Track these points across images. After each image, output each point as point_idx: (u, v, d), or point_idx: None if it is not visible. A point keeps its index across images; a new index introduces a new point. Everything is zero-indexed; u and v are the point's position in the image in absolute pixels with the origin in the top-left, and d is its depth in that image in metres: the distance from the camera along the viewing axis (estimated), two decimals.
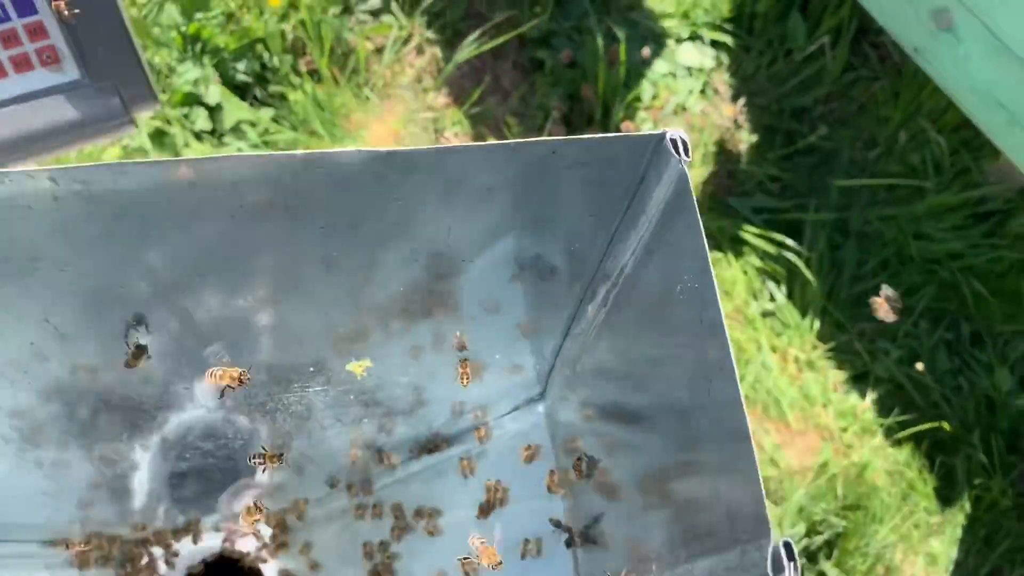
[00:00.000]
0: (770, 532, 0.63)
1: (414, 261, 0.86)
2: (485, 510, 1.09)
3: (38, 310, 0.78)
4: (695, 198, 0.71)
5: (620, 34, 2.14)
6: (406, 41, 2.09)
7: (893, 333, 2.01)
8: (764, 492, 0.65)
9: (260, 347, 0.93)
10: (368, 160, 0.70)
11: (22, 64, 0.77)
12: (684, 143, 0.71)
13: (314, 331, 0.94)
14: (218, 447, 1.05)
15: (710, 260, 0.69)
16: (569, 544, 1.04)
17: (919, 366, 1.97)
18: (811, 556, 1.76)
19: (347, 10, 2.06)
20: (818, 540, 1.75)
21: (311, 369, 0.99)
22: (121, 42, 0.75)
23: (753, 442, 0.65)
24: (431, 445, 1.15)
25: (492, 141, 0.73)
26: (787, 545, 0.62)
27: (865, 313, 2.04)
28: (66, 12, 0.74)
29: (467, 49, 2.07)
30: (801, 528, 1.76)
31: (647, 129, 2.13)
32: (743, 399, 0.66)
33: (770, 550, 0.62)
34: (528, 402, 1.15)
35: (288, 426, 1.06)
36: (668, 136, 0.72)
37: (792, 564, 0.61)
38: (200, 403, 1.00)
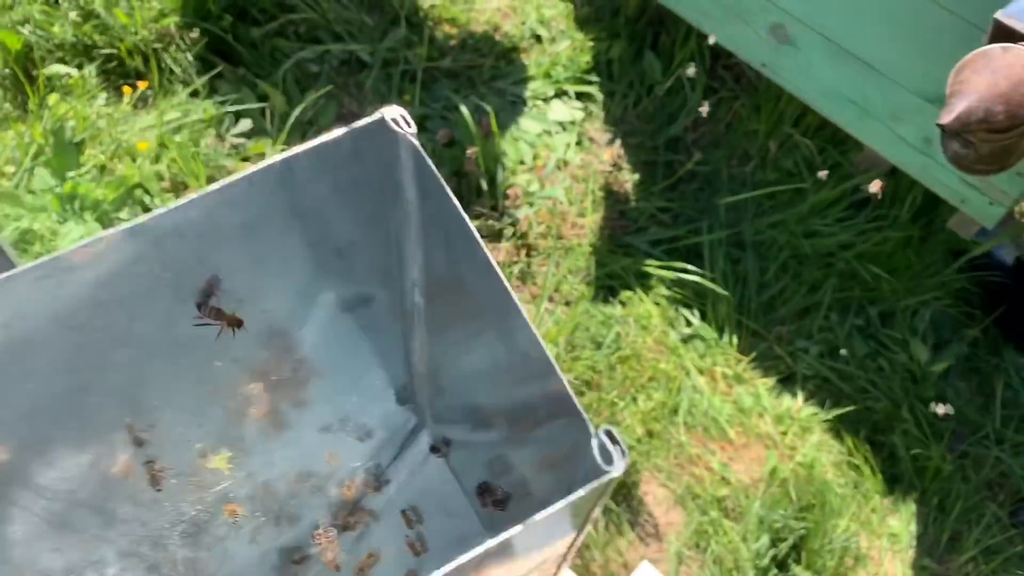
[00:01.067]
0: (589, 429, 0.66)
1: (256, 344, 0.87)
2: (416, 548, 1.10)
3: None
4: (434, 168, 0.72)
5: (488, 106, 2.21)
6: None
7: (808, 330, 2.09)
8: (572, 394, 0.68)
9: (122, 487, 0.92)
10: (117, 243, 0.69)
11: None
12: (404, 118, 0.74)
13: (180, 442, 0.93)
14: None
15: (468, 220, 0.71)
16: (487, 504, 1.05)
17: (843, 352, 2.05)
18: (782, 564, 1.80)
19: (218, 137, 2.08)
20: (784, 548, 1.79)
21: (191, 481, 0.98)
22: None
23: (551, 357, 0.69)
24: (343, 517, 1.14)
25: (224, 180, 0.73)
26: (608, 432, 0.65)
27: (778, 317, 2.12)
28: None
29: None
30: (765, 539, 1.79)
31: (534, 189, 2.19)
32: (529, 322, 0.69)
33: (595, 444, 0.65)
34: (412, 434, 1.16)
35: (185, 550, 1.04)
36: (386, 116, 0.74)
37: (617, 447, 0.66)
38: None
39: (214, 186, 0.71)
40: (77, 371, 0.79)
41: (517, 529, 0.65)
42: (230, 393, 0.93)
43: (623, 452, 0.65)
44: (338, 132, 0.73)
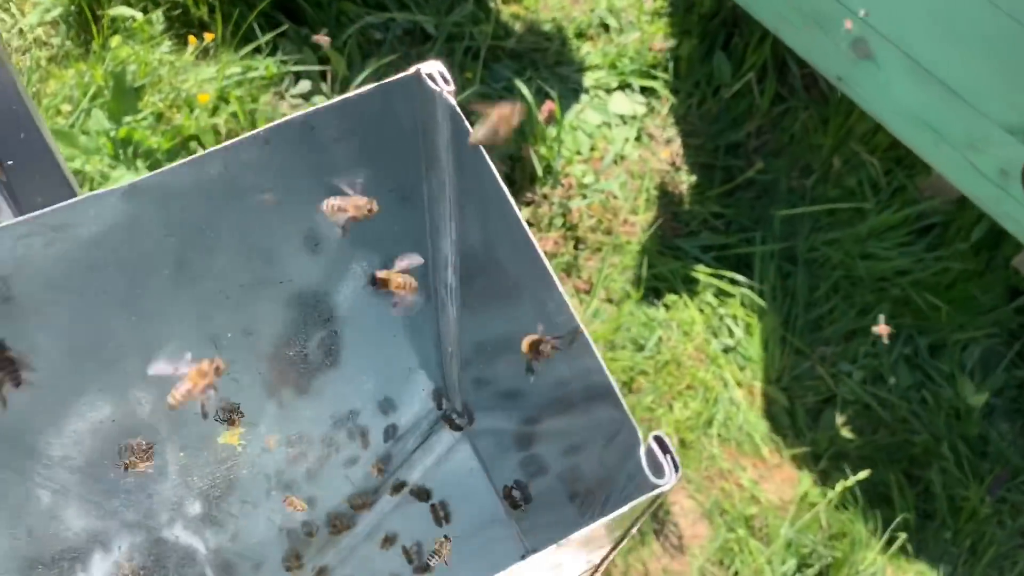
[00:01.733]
0: (637, 434, 0.60)
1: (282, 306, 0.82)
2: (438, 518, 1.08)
3: None
4: (472, 130, 0.65)
5: (552, 92, 2.17)
6: None
7: (853, 354, 2.04)
8: (622, 398, 0.62)
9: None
10: (120, 200, 0.63)
11: None
12: (442, 74, 0.65)
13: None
14: None
15: (507, 193, 0.64)
16: (515, 506, 1.02)
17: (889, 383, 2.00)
18: None
19: (277, 95, 2.05)
20: (810, 574, 1.75)
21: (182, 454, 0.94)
22: (58, 183, 0.73)
23: (602, 360, 0.63)
24: (366, 501, 1.11)
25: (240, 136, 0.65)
26: (658, 439, 0.59)
27: (824, 337, 2.07)
28: None
29: None
30: (792, 563, 1.75)
31: (589, 181, 2.15)
32: (578, 319, 0.63)
33: (642, 451, 0.59)
34: (440, 419, 1.12)
35: (194, 525, 1.01)
36: (422, 71, 0.66)
37: (668, 457, 0.59)
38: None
39: (222, 145, 0.65)
40: (74, 337, 0.74)
41: (551, 550, 0.60)
42: (245, 367, 0.87)
43: (675, 464, 0.58)
44: (367, 87, 0.66)
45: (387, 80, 0.65)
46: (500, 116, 0.72)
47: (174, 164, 0.62)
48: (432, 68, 0.65)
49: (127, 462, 0.82)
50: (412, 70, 0.64)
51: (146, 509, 0.96)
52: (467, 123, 0.66)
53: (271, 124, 0.63)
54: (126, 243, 0.68)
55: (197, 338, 0.81)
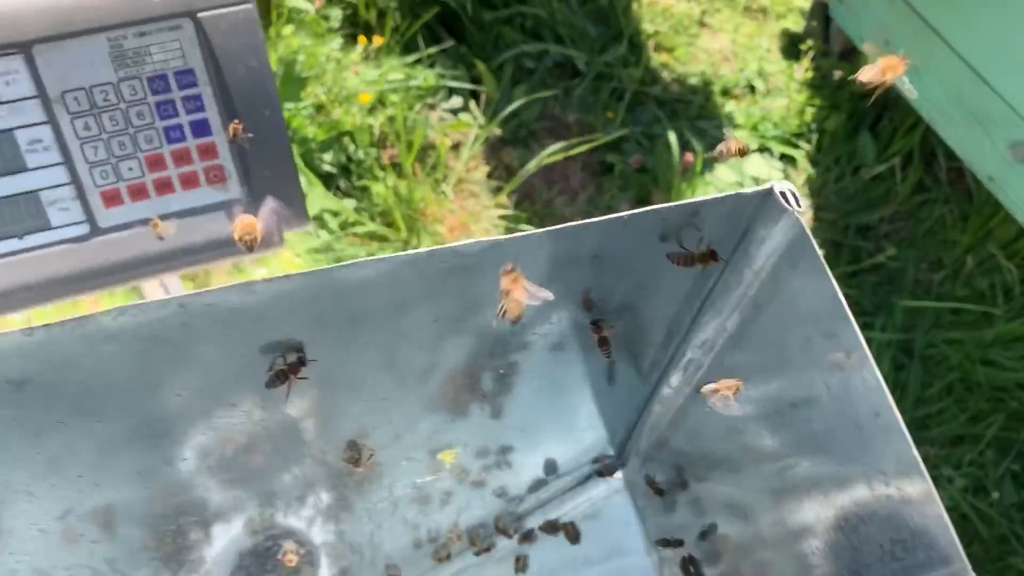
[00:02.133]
0: (965, 563, 0.59)
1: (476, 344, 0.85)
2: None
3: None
4: (817, 250, 0.70)
5: (697, 144, 2.18)
6: (485, 139, 2.13)
7: (958, 460, 1.98)
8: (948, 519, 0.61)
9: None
10: (450, 256, 0.69)
11: (190, 182, 0.80)
12: (794, 195, 0.71)
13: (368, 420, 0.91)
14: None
15: (845, 303, 0.67)
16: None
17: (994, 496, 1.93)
18: None
19: (429, 107, 2.11)
20: None
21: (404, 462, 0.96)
22: (285, 164, 0.77)
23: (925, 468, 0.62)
24: (507, 528, 1.11)
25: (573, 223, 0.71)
26: None
27: (929, 437, 2.01)
28: (241, 135, 0.77)
29: (544, 156, 2.11)
30: None
31: None
32: (906, 431, 0.62)
33: None
34: (602, 473, 1.11)
35: (343, 524, 1.03)
36: (776, 190, 0.71)
37: None
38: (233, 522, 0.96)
39: (577, 224, 0.69)
40: (344, 347, 0.79)
41: None
42: (453, 397, 0.91)
43: None
44: (724, 195, 0.72)
45: (744, 191, 0.72)
46: (887, 64, 0.83)
47: (473, 240, 0.68)
48: (785, 187, 0.72)
49: (353, 461, 0.85)
50: (767, 186, 0.72)
51: (276, 496, 0.99)
52: (811, 238, 0.71)
53: (633, 211, 0.70)
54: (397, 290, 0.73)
55: (381, 365, 0.84)
